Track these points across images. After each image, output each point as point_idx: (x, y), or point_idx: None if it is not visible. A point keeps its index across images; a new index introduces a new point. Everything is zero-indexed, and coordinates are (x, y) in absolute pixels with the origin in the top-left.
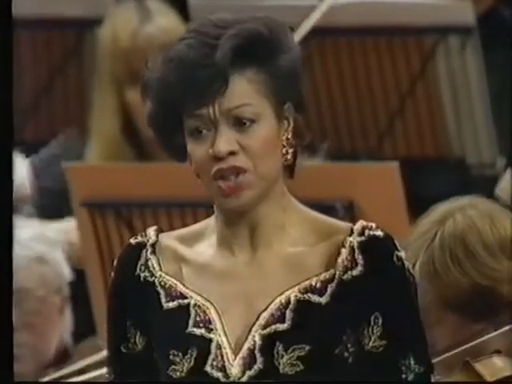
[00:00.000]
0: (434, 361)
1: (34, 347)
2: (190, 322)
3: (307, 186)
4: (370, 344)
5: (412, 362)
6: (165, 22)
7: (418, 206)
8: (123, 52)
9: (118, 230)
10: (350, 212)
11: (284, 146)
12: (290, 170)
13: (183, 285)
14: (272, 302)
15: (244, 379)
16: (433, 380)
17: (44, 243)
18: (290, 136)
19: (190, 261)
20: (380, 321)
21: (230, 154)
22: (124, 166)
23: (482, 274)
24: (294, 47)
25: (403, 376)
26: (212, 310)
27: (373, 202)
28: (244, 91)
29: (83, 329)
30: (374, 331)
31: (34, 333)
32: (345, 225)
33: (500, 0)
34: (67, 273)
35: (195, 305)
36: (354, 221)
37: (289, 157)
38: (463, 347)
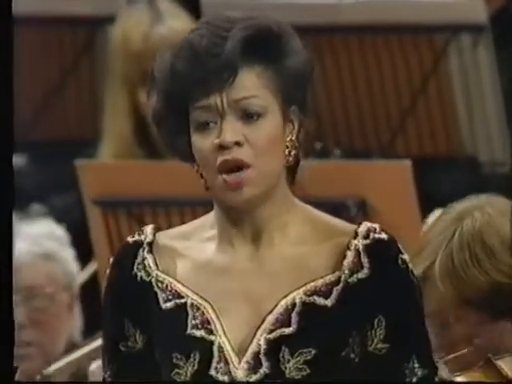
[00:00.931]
0: (453, 355)
1: (42, 345)
2: (189, 324)
3: (320, 184)
4: (373, 346)
5: (416, 365)
6: (176, 24)
7: (429, 203)
8: (135, 54)
9: (130, 228)
10: (363, 210)
11: (287, 147)
12: (291, 174)
13: (180, 283)
14: (277, 304)
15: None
16: (436, 379)
17: (53, 240)
18: (293, 138)
19: (188, 258)
20: (383, 324)
21: (236, 145)
22: (136, 164)
23: (500, 271)
24: (301, 52)
25: (407, 379)
26: (210, 310)
27: (385, 200)
28: (252, 84)
29: (93, 326)
30: (377, 334)
31: (42, 330)
32: (349, 226)
33: None
34: (76, 270)
35: (192, 305)
36: (366, 219)
37: (290, 158)
38: (483, 344)
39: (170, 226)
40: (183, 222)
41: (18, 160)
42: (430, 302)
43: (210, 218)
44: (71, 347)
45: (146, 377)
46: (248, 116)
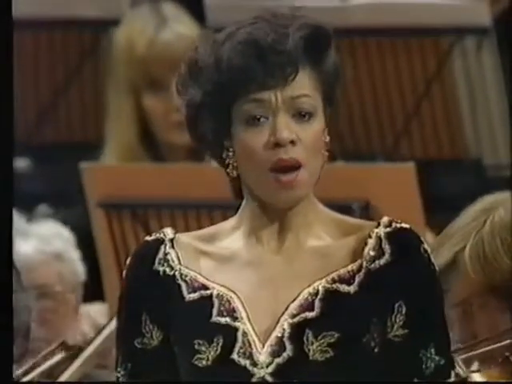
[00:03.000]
0: (476, 352)
1: (50, 343)
2: (214, 312)
3: (324, 186)
4: (393, 333)
5: (433, 352)
6: (181, 28)
7: (434, 206)
8: (140, 59)
9: (135, 231)
10: (367, 212)
11: (324, 148)
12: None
13: (204, 277)
14: (300, 293)
15: (272, 366)
16: (453, 375)
17: (62, 241)
18: (327, 139)
19: (212, 254)
20: (404, 309)
21: (290, 144)
22: (140, 166)
23: None
24: (335, 54)
25: (423, 366)
26: (236, 300)
27: (389, 202)
28: (305, 83)
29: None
30: (397, 320)
31: (50, 329)
32: (369, 222)
33: None
34: (82, 272)
35: (218, 295)
36: (370, 221)
37: (325, 159)
38: (507, 341)
39: (174, 229)
40: (187, 225)
41: (23, 163)
42: (456, 290)
43: (232, 222)
44: (76, 351)
45: (160, 375)
46: (300, 115)
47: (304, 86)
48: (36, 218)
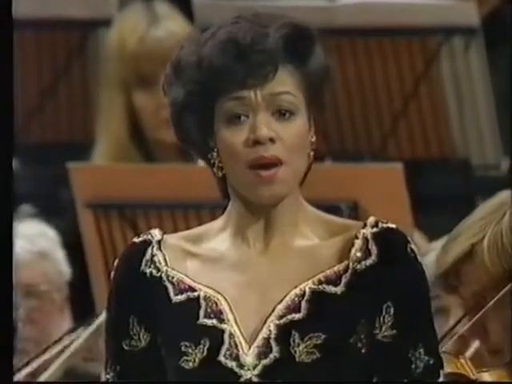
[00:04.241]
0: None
1: (37, 342)
2: (201, 314)
3: (311, 186)
4: (381, 333)
5: (422, 352)
6: (172, 26)
7: (422, 206)
8: (131, 55)
9: (122, 231)
10: (354, 213)
11: (309, 148)
12: (306, 172)
13: (191, 279)
14: (287, 294)
15: (259, 368)
16: (442, 374)
17: (47, 240)
18: (313, 139)
19: (199, 256)
20: (392, 310)
21: (270, 141)
22: (128, 166)
23: None
24: (323, 54)
25: (413, 366)
26: (223, 302)
27: (377, 202)
28: (286, 81)
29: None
30: (386, 320)
31: (36, 328)
32: (356, 222)
33: (504, 0)
34: (67, 271)
35: (205, 297)
36: (357, 221)
37: (311, 159)
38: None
39: (162, 229)
40: (175, 225)
41: None
42: (469, 283)
43: (219, 222)
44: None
45: (149, 377)
46: (280, 113)
47: (284, 83)
48: (19, 218)
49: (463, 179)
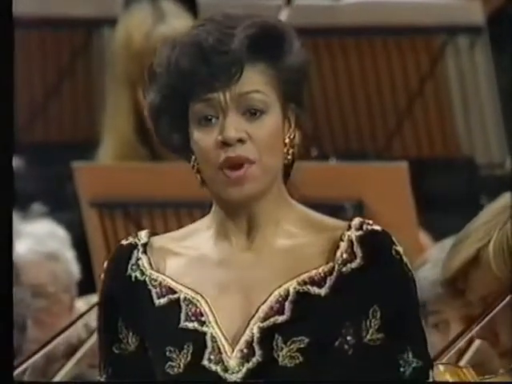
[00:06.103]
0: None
1: (43, 342)
2: (182, 317)
3: (317, 185)
4: (368, 337)
5: (410, 355)
6: (178, 23)
7: (426, 205)
8: (137, 53)
9: (127, 230)
10: (359, 211)
11: (285, 146)
12: (287, 172)
13: (173, 280)
14: (271, 294)
15: (242, 372)
16: (431, 375)
17: (56, 240)
18: (292, 136)
19: (183, 255)
20: (378, 314)
21: (239, 142)
22: (133, 165)
23: None
24: (300, 51)
25: (401, 370)
26: (203, 303)
27: (382, 201)
28: (255, 80)
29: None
30: (373, 324)
31: (44, 330)
32: (341, 222)
33: None
34: (77, 271)
35: (185, 299)
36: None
37: (289, 157)
38: None
39: (166, 228)
40: (180, 224)
41: (14, 162)
42: (476, 288)
43: (206, 221)
44: (71, 351)
45: (139, 379)
46: (250, 112)
47: (253, 82)
48: (29, 217)
49: (468, 178)
